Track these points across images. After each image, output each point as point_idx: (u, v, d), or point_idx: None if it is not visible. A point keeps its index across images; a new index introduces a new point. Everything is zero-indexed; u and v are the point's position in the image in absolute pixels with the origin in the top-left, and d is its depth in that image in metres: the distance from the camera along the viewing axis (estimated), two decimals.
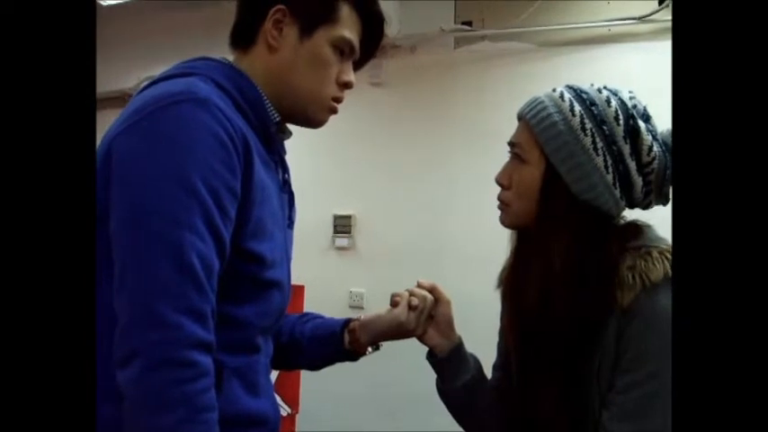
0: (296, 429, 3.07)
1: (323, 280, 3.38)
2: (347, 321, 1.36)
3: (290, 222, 1.24)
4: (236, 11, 1.18)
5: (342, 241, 3.48)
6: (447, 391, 1.31)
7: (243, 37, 1.16)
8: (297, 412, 3.05)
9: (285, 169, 1.22)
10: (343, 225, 3.49)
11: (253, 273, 1.06)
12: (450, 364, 1.30)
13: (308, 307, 3.09)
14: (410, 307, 1.28)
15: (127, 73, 3.73)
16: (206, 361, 0.93)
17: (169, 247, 0.92)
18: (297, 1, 1.12)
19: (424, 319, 1.29)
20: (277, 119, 1.14)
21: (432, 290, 1.31)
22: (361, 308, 3.40)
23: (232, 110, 1.04)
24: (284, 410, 2.93)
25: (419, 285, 1.32)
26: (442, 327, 1.31)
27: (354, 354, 1.36)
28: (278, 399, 2.99)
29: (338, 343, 1.34)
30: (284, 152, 1.22)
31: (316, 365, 1.40)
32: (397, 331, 1.30)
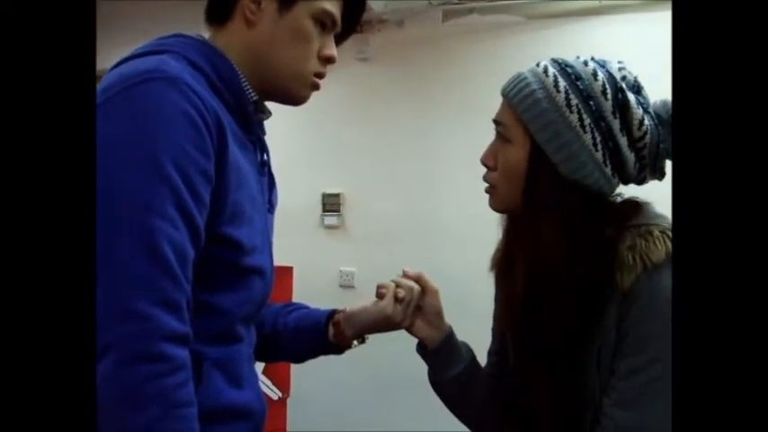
0: (287, 413, 3.06)
1: (312, 260, 3.36)
2: (332, 313, 1.32)
3: (271, 206, 1.20)
4: None
5: (331, 220, 3.46)
6: (439, 383, 1.27)
7: (219, 12, 1.11)
8: (288, 396, 3.03)
9: (264, 150, 1.17)
10: (332, 203, 3.46)
11: (231, 259, 1.02)
12: (441, 355, 1.26)
13: (298, 287, 3.08)
14: (396, 299, 1.23)
15: (111, 53, 3.64)
16: (182, 354, 0.90)
17: (140, 235, 0.88)
18: None
19: (412, 310, 1.25)
20: (254, 98, 1.10)
21: (418, 279, 1.26)
22: (352, 287, 3.39)
23: (206, 89, 1.00)
24: (275, 394, 2.92)
25: (405, 275, 1.27)
26: (431, 317, 1.26)
27: (339, 347, 1.32)
28: (268, 382, 2.97)
29: (322, 335, 1.30)
30: (263, 133, 1.17)
31: (299, 358, 1.37)
32: (383, 324, 1.26)
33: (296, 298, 2.91)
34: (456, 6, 3.19)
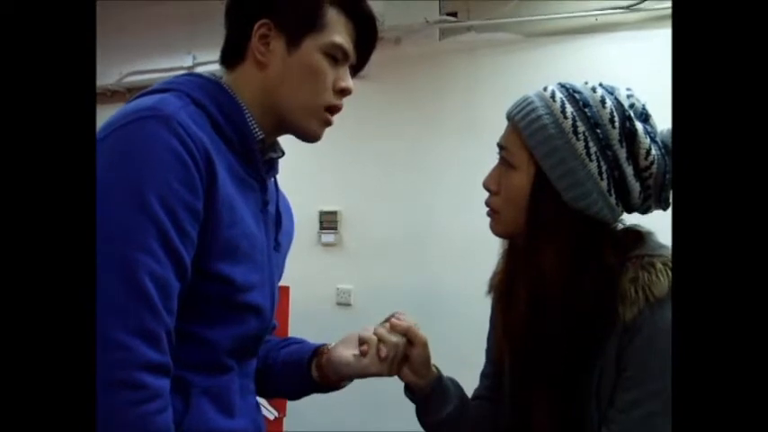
0: None
1: (309, 277, 3.34)
2: (315, 352, 1.28)
3: (277, 245, 1.18)
4: (225, 30, 1.15)
5: (328, 237, 3.45)
6: (430, 423, 1.25)
7: (231, 56, 1.13)
8: (284, 415, 3.01)
9: (267, 189, 1.15)
10: (329, 221, 3.45)
11: (223, 295, 1.03)
12: (430, 400, 1.23)
13: (295, 305, 3.07)
14: (380, 357, 1.17)
15: (108, 68, 3.68)
16: (158, 383, 0.91)
17: (121, 267, 0.89)
18: (281, 12, 1.08)
19: (397, 362, 1.20)
20: (260, 136, 1.10)
21: (406, 332, 1.19)
22: (349, 304, 3.37)
23: (205, 126, 1.01)
24: (271, 414, 2.90)
25: (392, 326, 1.19)
26: (418, 367, 1.21)
27: (328, 386, 1.28)
28: (264, 402, 2.95)
29: (306, 376, 1.28)
30: (275, 171, 1.19)
31: (292, 395, 1.35)
32: (367, 376, 1.21)
33: (293, 317, 2.90)
34: (453, 24, 3.19)
